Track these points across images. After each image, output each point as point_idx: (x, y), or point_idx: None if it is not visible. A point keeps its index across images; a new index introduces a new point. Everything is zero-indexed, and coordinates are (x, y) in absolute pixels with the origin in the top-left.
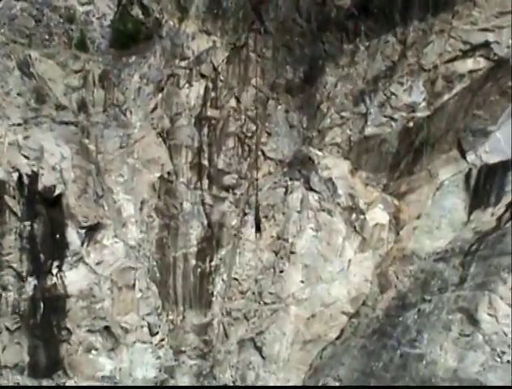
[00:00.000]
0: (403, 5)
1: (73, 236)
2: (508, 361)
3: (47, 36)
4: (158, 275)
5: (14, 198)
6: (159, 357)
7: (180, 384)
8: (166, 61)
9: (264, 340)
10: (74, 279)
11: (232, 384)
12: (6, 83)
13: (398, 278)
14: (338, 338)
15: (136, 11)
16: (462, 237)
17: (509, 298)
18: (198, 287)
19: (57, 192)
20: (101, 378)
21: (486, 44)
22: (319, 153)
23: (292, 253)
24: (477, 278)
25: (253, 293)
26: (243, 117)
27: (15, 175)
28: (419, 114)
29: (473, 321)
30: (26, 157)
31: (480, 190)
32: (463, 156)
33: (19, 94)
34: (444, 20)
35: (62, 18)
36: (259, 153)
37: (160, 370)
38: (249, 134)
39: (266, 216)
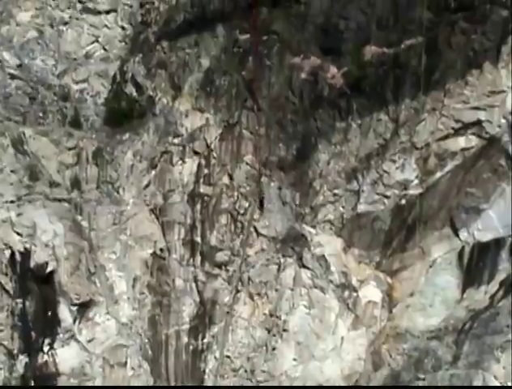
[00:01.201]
0: (394, 83)
1: (65, 313)
2: None
3: (41, 114)
4: (150, 352)
5: (6, 275)
6: None
7: None
8: (159, 138)
9: None
10: (65, 356)
11: None
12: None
13: (391, 356)
14: None
15: (130, 89)
16: (455, 315)
17: (503, 377)
18: (191, 364)
19: (49, 269)
20: None
21: (478, 123)
22: (312, 230)
23: (284, 330)
24: (471, 356)
25: (246, 371)
26: (236, 194)
27: (8, 252)
28: (411, 192)
29: None
30: (19, 234)
31: (473, 268)
32: (456, 234)
33: (12, 171)
34: (436, 99)
35: (57, 96)
36: (252, 230)
37: None
38: (242, 211)
39: (258, 294)
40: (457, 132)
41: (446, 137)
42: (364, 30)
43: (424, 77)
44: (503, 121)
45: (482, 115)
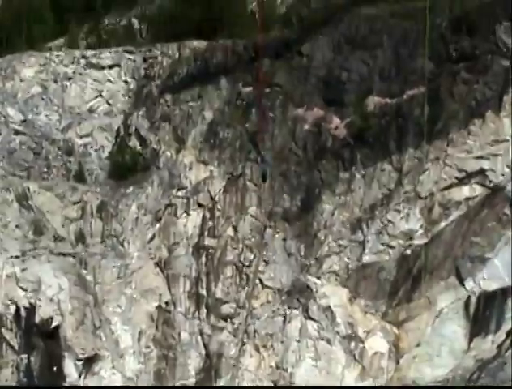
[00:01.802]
0: (397, 133)
1: (70, 368)
2: None
3: (45, 169)
4: None
5: (11, 330)
6: None
7: None
8: (163, 191)
9: None
10: None
11: None
12: (4, 216)
13: None
14: None
15: (134, 143)
16: (462, 365)
17: None
18: None
19: (54, 324)
20: None
21: (481, 172)
22: (317, 281)
23: (291, 383)
24: None
25: None
26: (240, 246)
27: (13, 308)
28: (416, 242)
29: None
30: (23, 289)
31: (479, 318)
32: (462, 283)
33: (17, 226)
34: (439, 148)
35: (61, 150)
36: (257, 282)
37: None
38: (247, 263)
39: (264, 346)
40: (461, 181)
41: (450, 186)
42: (366, 81)
43: (426, 127)
44: (507, 169)
45: (485, 164)
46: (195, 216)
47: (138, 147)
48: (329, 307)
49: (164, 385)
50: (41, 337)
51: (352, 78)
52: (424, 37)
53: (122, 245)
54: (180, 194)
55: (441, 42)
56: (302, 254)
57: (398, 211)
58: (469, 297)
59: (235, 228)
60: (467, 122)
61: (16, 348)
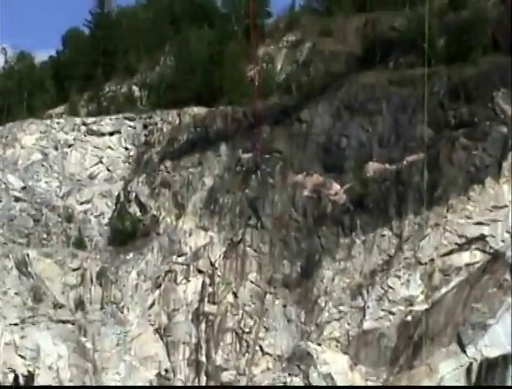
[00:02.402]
0: (397, 199)
1: None
2: None
3: (45, 236)
4: None
5: None
6: None
7: None
8: (163, 257)
9: None
10: None
11: None
12: (3, 283)
13: None
14: None
15: (134, 209)
16: None
17: None
18: None
19: None
20: None
21: (482, 238)
22: (318, 348)
23: None
24: None
25: None
26: (240, 312)
27: (11, 376)
28: (417, 308)
29: None
30: (22, 357)
31: (481, 385)
32: (463, 350)
33: (16, 293)
34: (439, 214)
35: (61, 217)
36: (257, 349)
37: None
38: (247, 330)
39: None
40: (461, 247)
41: (451, 252)
42: (365, 147)
43: (426, 193)
44: (506, 235)
45: (485, 230)
46: (195, 283)
47: (138, 214)
48: (329, 374)
49: None
50: None
51: (351, 144)
52: (422, 104)
53: (122, 312)
54: (180, 260)
55: (440, 109)
56: (302, 320)
57: (399, 277)
58: (470, 363)
59: (235, 295)
60: (467, 188)
61: None
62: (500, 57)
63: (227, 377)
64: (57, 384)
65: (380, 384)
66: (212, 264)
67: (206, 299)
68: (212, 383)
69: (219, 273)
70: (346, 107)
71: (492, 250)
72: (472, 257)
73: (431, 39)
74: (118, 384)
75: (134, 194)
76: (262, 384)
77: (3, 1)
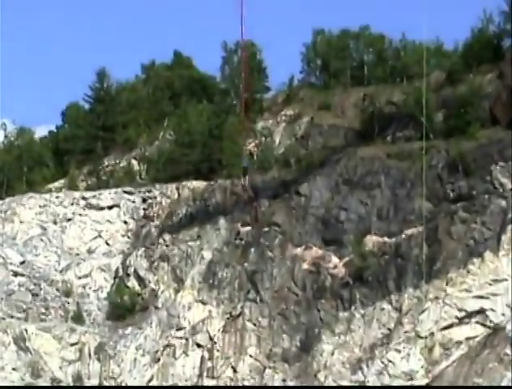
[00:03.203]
0: (396, 272)
1: None
2: None
3: (44, 310)
4: None
5: None
6: None
7: None
8: (162, 331)
9: None
10: None
11: None
12: (1, 358)
13: None
14: None
15: (132, 283)
16: None
17: None
18: None
19: None
20: None
21: (482, 311)
22: None
23: None
24: None
25: None
26: None
27: None
28: (417, 382)
29: None
30: None
31: None
32: None
33: (14, 369)
34: (438, 287)
35: (59, 291)
36: None
37: None
38: None
39: None
40: (461, 321)
41: (450, 326)
42: (364, 221)
43: (425, 266)
44: (506, 309)
45: (485, 304)
46: (194, 357)
47: (137, 287)
48: None
49: None
50: None
51: (350, 217)
52: (421, 178)
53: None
54: (178, 334)
55: (439, 182)
56: None
57: (399, 351)
58: None
59: (234, 369)
60: (466, 262)
61: None
62: (498, 132)
63: None
64: None
65: None
66: (211, 338)
67: (205, 373)
68: None
69: (218, 347)
70: (344, 180)
71: (492, 324)
72: (472, 331)
73: (429, 113)
74: None
75: (132, 267)
76: None
77: (3, 76)
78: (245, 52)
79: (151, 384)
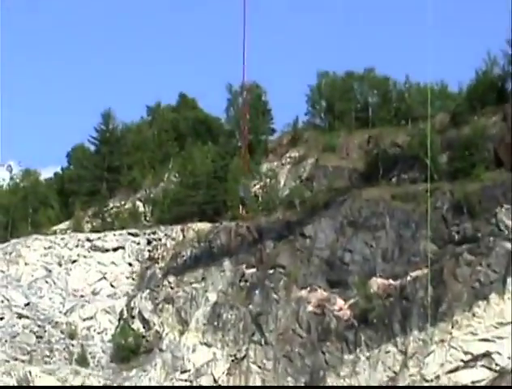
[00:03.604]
0: (402, 315)
1: None
2: None
3: (48, 352)
4: None
5: None
6: None
7: None
8: (166, 374)
9: None
10: None
11: None
12: None
13: None
14: None
15: (137, 325)
16: None
17: None
18: None
19: None
20: None
21: (487, 355)
22: None
23: None
24: None
25: None
26: None
27: None
28: None
29: None
30: None
31: None
32: None
33: None
34: (444, 330)
35: (64, 333)
36: None
37: None
38: None
39: None
40: (467, 364)
41: (456, 369)
42: (369, 262)
43: (431, 308)
44: None
45: (491, 347)
46: None
47: (142, 330)
48: None
49: None
50: None
51: (355, 259)
52: (426, 219)
53: None
54: (183, 377)
55: (444, 224)
56: None
57: None
58: None
59: None
60: (472, 304)
61: None
62: (502, 174)
63: None
64: None
65: None
66: (216, 381)
67: None
68: None
69: None
70: (349, 222)
71: (498, 367)
72: (478, 374)
73: (433, 155)
74: None
75: (137, 309)
76: None
77: (10, 119)
78: (249, 94)
79: None
